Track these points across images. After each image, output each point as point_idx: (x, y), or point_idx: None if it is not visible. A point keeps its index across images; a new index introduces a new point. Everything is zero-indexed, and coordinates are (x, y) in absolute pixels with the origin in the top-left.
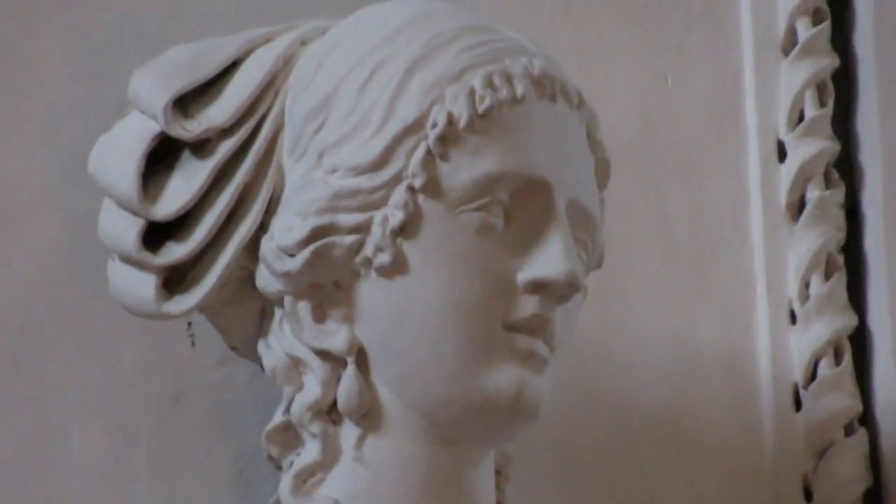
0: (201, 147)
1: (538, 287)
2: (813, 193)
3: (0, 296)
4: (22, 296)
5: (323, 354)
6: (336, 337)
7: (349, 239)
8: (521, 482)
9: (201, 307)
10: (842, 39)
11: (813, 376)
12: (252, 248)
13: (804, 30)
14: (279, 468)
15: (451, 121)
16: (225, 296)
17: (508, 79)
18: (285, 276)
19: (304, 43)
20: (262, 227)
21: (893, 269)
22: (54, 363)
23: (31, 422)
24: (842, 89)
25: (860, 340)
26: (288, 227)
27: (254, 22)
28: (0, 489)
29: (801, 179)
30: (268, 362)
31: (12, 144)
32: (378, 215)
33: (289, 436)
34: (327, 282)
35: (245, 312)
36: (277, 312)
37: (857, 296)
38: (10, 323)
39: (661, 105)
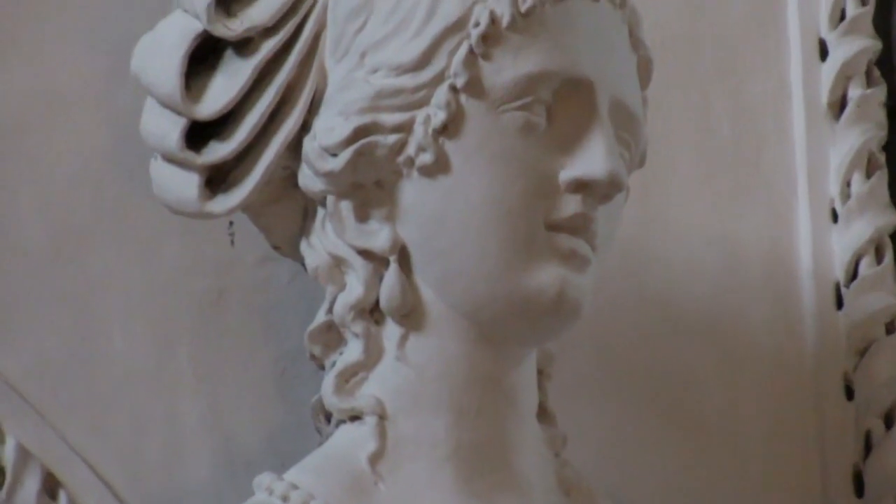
0: (244, 46)
1: (581, 186)
2: (854, 92)
3: (43, 195)
4: (65, 195)
5: (365, 254)
6: (378, 236)
7: (391, 138)
8: (562, 381)
9: (244, 206)
10: None
11: (854, 275)
12: (295, 147)
13: None
14: (322, 367)
15: (493, 20)
16: (267, 195)
17: None
18: (328, 175)
19: None
20: (305, 127)
21: None
22: (97, 262)
23: (74, 321)
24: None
25: None
26: (330, 126)
27: None
28: (42, 387)
29: (843, 78)
30: (310, 262)
31: (55, 44)
32: (420, 115)
33: (331, 335)
34: (370, 181)
35: (287, 212)
36: (320, 212)
37: None
38: (52, 222)
39: (704, 4)
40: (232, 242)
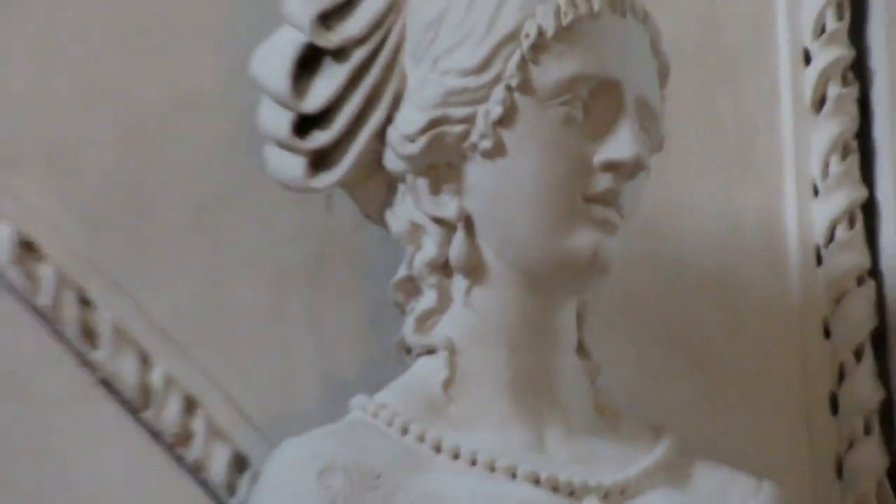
0: (340, 54)
1: (611, 166)
2: (833, 91)
3: (183, 175)
4: (200, 175)
5: (438, 221)
6: (448, 207)
7: (458, 128)
8: (596, 324)
9: (341, 183)
10: None
11: (831, 238)
12: (381, 135)
13: None
14: (403, 312)
15: (541, 32)
16: (359, 174)
17: None
18: (408, 158)
19: None
20: (389, 119)
21: None
22: (225, 228)
23: (208, 275)
24: (856, 7)
25: (869, 209)
26: (410, 119)
27: None
28: (183, 327)
29: (823, 79)
30: (394, 227)
31: (189, 53)
32: (482, 109)
33: (411, 286)
34: (441, 162)
35: (375, 187)
36: (401, 187)
37: (867, 173)
38: (191, 196)
39: (711, 19)
40: (329, 211)
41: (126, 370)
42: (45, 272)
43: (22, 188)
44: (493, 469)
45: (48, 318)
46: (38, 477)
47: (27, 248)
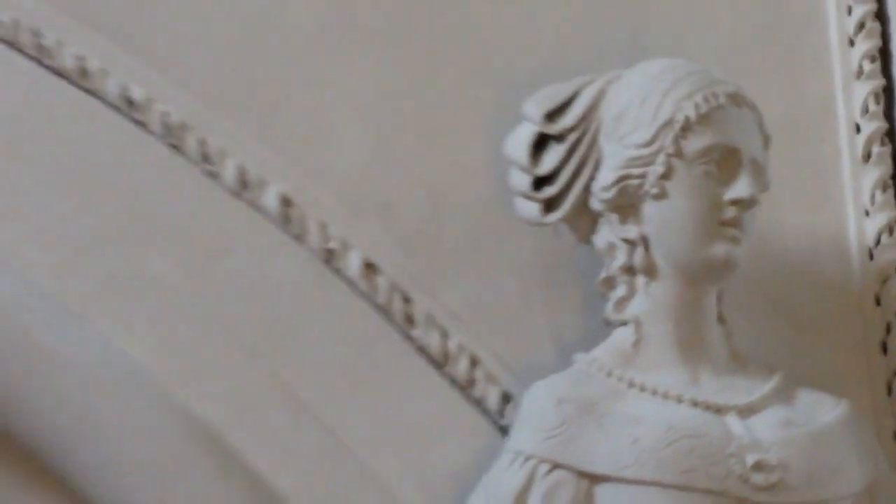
0: (560, 138)
1: (736, 202)
2: (875, 149)
3: (464, 219)
4: (475, 217)
5: (625, 241)
6: (632, 231)
7: (636, 181)
8: (729, 302)
9: (563, 219)
10: (887, 68)
11: (878, 242)
12: (587, 188)
13: (868, 66)
14: (606, 299)
15: (687, 118)
16: (574, 212)
17: (715, 96)
18: (605, 201)
19: (610, 82)
20: (592, 178)
21: None
22: (491, 251)
23: (482, 280)
24: (888, 95)
25: None
26: (605, 177)
27: (584, 72)
28: (465, 313)
29: (869, 142)
30: (597, 245)
31: (467, 138)
32: (651, 169)
33: (610, 282)
34: (626, 204)
35: (585, 221)
36: (601, 220)
37: None
38: (468, 233)
39: (792, 103)
40: (556, 236)
41: (433, 342)
42: (382, 282)
43: (363, 228)
44: (667, 397)
45: (384, 311)
46: (381, 413)
47: (369, 268)
